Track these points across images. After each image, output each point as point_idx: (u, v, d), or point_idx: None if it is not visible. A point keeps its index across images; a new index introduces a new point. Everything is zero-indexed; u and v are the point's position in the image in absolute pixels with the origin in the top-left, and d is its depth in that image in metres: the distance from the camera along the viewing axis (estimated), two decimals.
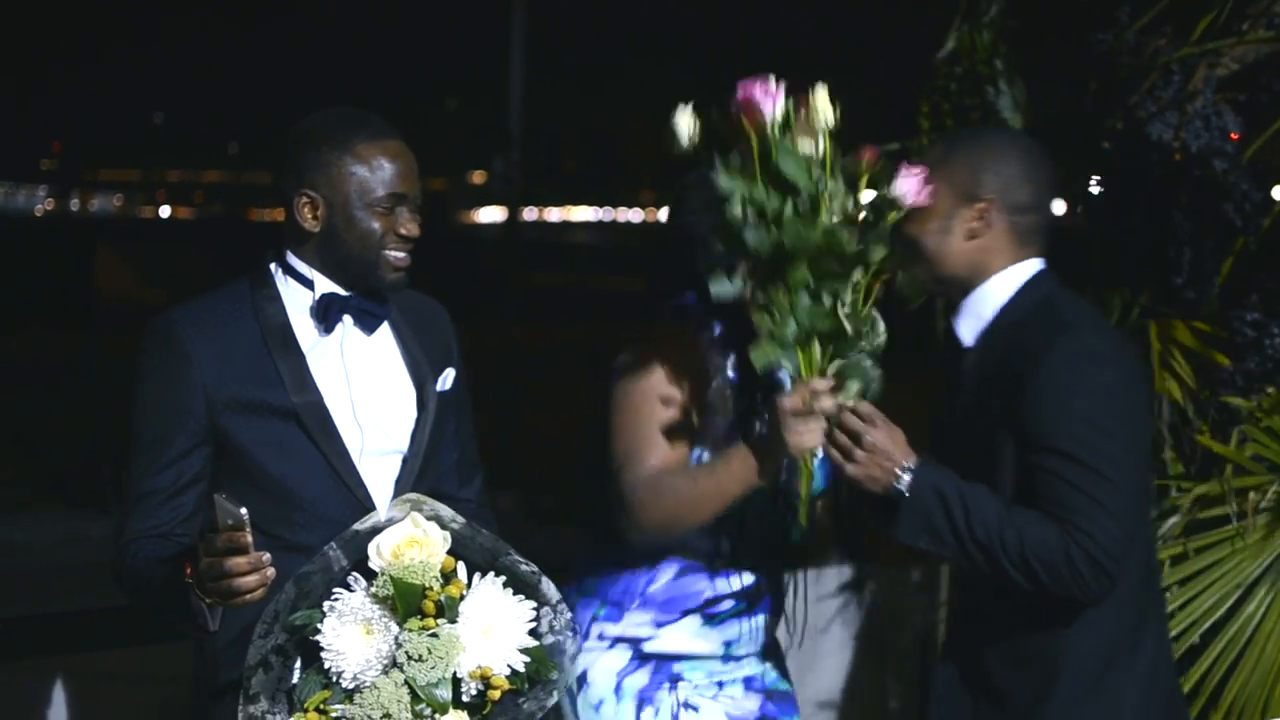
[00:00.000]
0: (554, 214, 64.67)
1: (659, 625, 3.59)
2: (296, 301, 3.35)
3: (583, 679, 3.58)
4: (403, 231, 3.30)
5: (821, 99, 3.19)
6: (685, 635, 3.60)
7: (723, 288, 3.27)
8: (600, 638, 3.60)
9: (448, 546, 3.05)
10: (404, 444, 3.40)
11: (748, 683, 3.68)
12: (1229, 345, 5.01)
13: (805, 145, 3.18)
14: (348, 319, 3.36)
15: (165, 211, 61.98)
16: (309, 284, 3.37)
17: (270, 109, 58.33)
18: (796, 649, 3.99)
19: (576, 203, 67.58)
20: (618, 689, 3.57)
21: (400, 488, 3.37)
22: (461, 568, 3.04)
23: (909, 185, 3.29)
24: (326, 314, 3.34)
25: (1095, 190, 5.49)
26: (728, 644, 3.63)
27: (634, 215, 68.59)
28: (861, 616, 5.87)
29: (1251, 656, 4.70)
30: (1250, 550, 4.73)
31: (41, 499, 11.85)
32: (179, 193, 65.11)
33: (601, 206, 68.28)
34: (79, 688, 5.24)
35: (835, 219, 3.19)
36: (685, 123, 3.24)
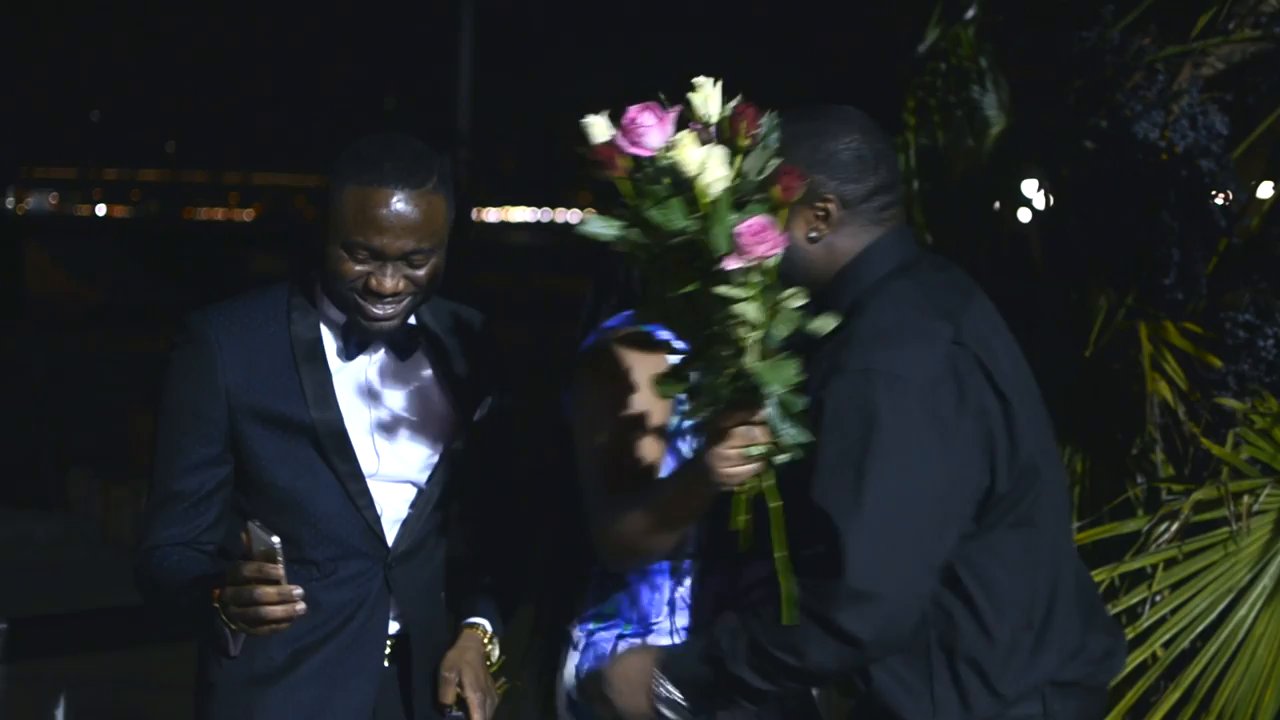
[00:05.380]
0: (492, 214, 64.56)
1: (687, 632, 3.41)
2: (331, 315, 3.27)
3: None
4: (373, 285, 3.16)
5: (703, 96, 2.93)
6: None
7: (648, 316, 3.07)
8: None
9: None
10: (423, 475, 3.33)
11: None
12: (1220, 346, 4.97)
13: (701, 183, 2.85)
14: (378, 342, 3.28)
15: (101, 210, 61.67)
16: None
17: (207, 108, 58.04)
18: None
19: (515, 203, 67.50)
20: None
21: (414, 516, 3.32)
22: None
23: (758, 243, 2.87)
24: (347, 339, 3.26)
25: (1079, 189, 5.44)
26: None
27: (573, 216, 68.56)
28: None
29: (1242, 662, 4.65)
30: (1243, 555, 4.68)
31: None
32: (115, 191, 64.75)
33: (540, 207, 68.22)
34: (24, 694, 5.16)
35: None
36: (599, 128, 2.95)
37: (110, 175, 65.03)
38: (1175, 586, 4.71)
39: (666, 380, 3.03)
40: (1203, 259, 5.16)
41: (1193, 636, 4.68)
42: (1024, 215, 6.06)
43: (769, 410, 2.94)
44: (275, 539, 2.87)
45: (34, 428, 12.35)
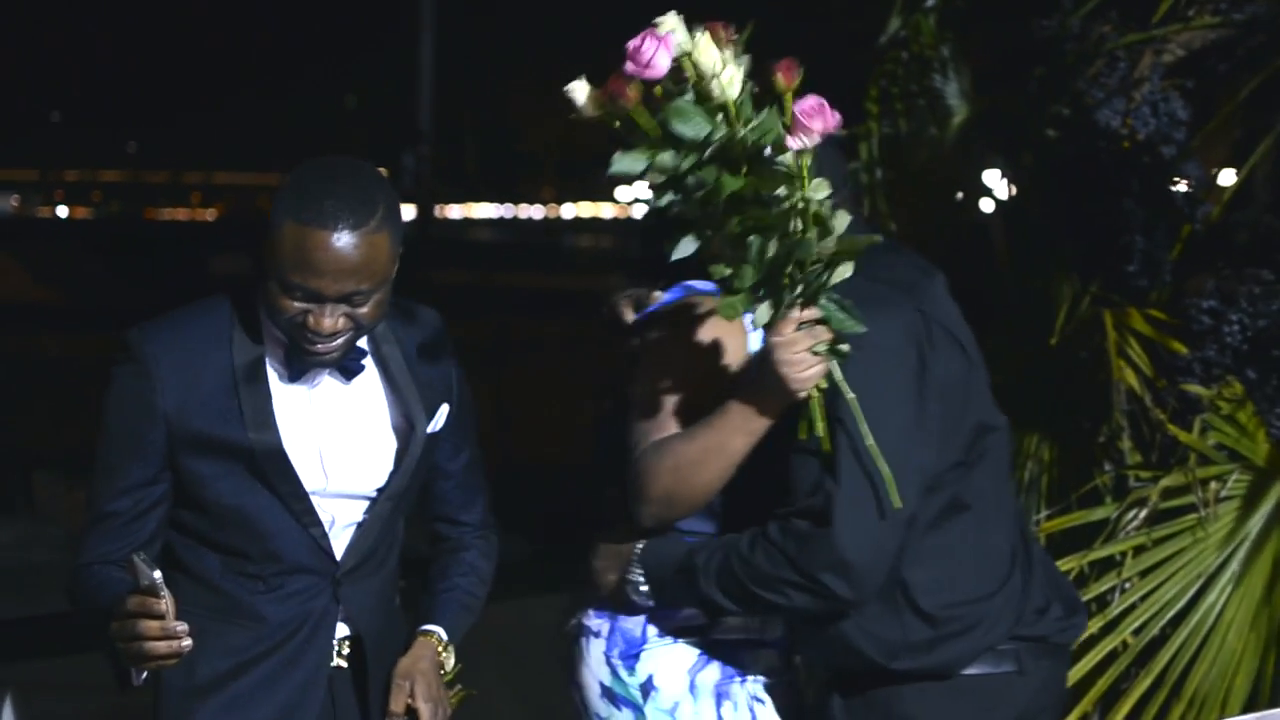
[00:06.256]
0: (455, 211, 64.47)
1: None
2: (276, 333, 3.15)
3: (649, 685, 3.35)
4: (311, 324, 3.03)
5: (703, 45, 2.92)
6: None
7: (683, 247, 3.02)
8: (659, 635, 3.37)
9: None
10: (374, 488, 3.25)
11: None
12: (1185, 333, 4.97)
13: (718, 89, 2.90)
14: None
15: (63, 211, 61.29)
16: None
17: (169, 108, 57.81)
18: None
19: (478, 199, 67.38)
20: (692, 687, 3.36)
21: (366, 527, 3.25)
22: None
23: (815, 124, 2.93)
24: (290, 361, 3.17)
25: (1043, 177, 5.45)
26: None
27: (535, 212, 68.44)
28: None
29: (1212, 647, 4.66)
30: (1211, 540, 4.68)
31: None
32: (77, 192, 64.41)
33: (503, 203, 68.12)
34: None
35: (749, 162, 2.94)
36: (581, 92, 2.99)
37: (71, 176, 64.71)
38: (1144, 573, 4.71)
39: (728, 302, 3.01)
40: (1166, 246, 5.17)
41: (1163, 623, 4.68)
42: (986, 205, 6.06)
43: (824, 304, 3.00)
44: (157, 573, 2.77)
45: None
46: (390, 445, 3.27)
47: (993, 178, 5.97)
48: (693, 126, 2.90)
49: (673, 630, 3.36)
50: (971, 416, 3.24)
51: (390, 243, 3.06)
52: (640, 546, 3.28)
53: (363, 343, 3.21)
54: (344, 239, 2.98)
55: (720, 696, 3.36)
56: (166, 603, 2.78)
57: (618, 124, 2.98)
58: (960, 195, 5.94)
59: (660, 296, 3.41)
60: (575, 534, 3.59)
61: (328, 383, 3.21)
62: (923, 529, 3.18)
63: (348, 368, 3.19)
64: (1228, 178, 5.54)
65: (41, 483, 12.29)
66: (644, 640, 3.36)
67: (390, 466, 3.26)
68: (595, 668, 3.39)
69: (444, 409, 3.33)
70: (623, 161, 2.95)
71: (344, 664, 3.30)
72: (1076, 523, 4.84)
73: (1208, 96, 5.30)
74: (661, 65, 2.91)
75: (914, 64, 5.60)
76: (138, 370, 3.13)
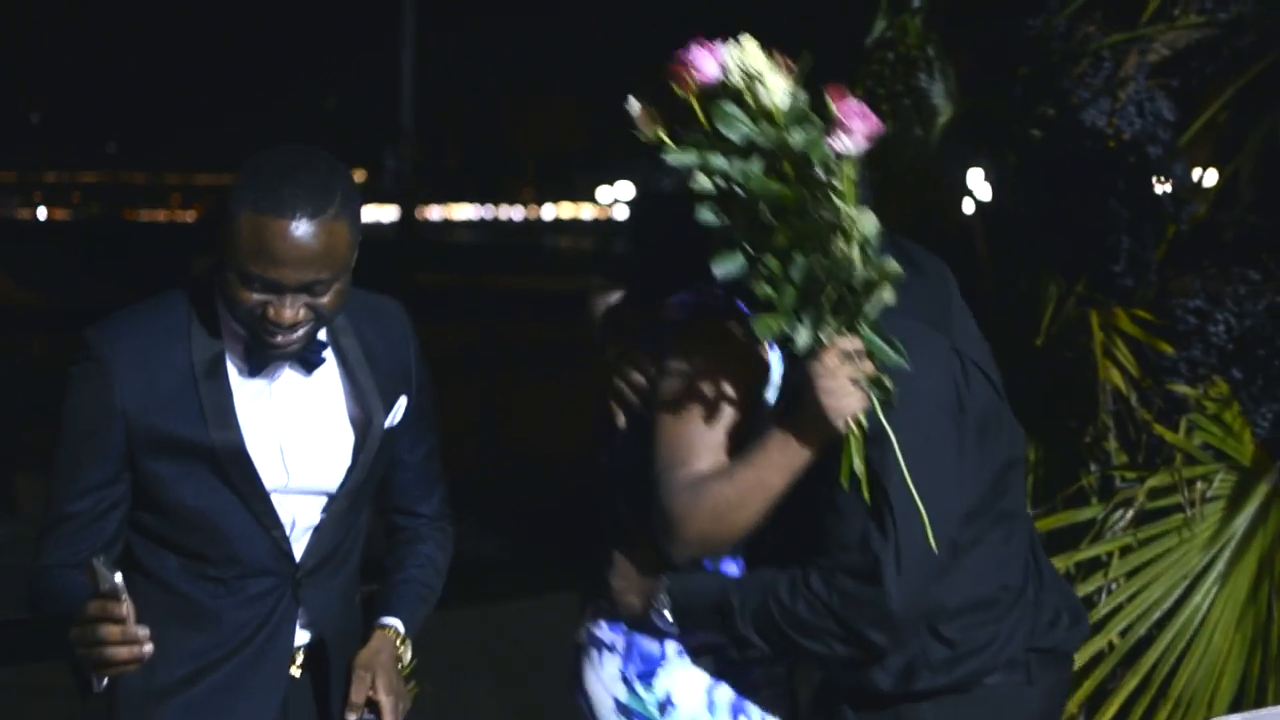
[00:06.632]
0: (435, 212, 64.43)
1: None
2: (235, 328, 3.11)
3: (667, 702, 3.28)
4: (271, 315, 2.99)
5: (750, 50, 2.91)
6: None
7: (727, 266, 2.96)
8: (679, 654, 3.30)
9: None
10: (333, 484, 3.22)
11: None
12: (1171, 333, 4.97)
13: (764, 94, 2.88)
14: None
15: (42, 213, 61.17)
16: None
17: (148, 108, 57.72)
18: None
19: (458, 200, 67.35)
20: (710, 705, 3.30)
21: (326, 524, 3.22)
22: None
23: (857, 124, 2.94)
24: (250, 356, 3.13)
25: (1028, 177, 5.44)
26: None
27: (516, 213, 68.49)
28: None
29: (1199, 648, 4.66)
30: (1198, 540, 4.69)
31: None
32: (56, 194, 64.32)
33: (483, 204, 68.14)
34: None
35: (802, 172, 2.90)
36: (641, 112, 2.97)
37: (50, 178, 64.64)
38: (1131, 574, 4.72)
39: (765, 321, 2.97)
40: (1152, 246, 5.17)
41: (1149, 624, 4.69)
42: (968, 206, 6.05)
43: (865, 333, 2.96)
44: (118, 577, 2.72)
45: None
46: (349, 439, 3.23)
47: (977, 178, 5.96)
48: (736, 130, 2.89)
49: (692, 649, 3.31)
50: (1002, 453, 3.21)
51: (349, 230, 3.03)
52: (668, 578, 3.23)
53: (322, 334, 3.18)
54: (302, 227, 2.95)
55: (736, 711, 3.32)
56: (127, 607, 2.73)
57: (664, 135, 2.96)
58: (945, 195, 5.93)
59: (673, 308, 3.35)
60: (559, 537, 3.55)
61: (288, 376, 3.17)
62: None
63: (308, 360, 3.16)
64: (1213, 177, 5.54)
65: (23, 486, 12.25)
66: (662, 657, 3.31)
67: (349, 461, 3.22)
68: (609, 683, 3.33)
69: (402, 400, 3.30)
70: (673, 155, 2.94)
71: (298, 673, 3.28)
72: (1063, 523, 4.84)
73: (1193, 96, 5.31)
74: (710, 70, 2.90)
75: (900, 65, 5.58)
76: (96, 369, 3.09)
